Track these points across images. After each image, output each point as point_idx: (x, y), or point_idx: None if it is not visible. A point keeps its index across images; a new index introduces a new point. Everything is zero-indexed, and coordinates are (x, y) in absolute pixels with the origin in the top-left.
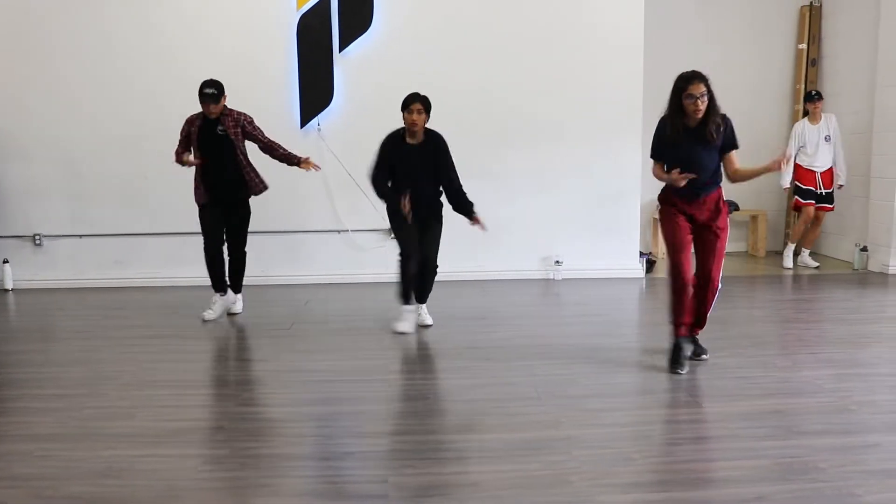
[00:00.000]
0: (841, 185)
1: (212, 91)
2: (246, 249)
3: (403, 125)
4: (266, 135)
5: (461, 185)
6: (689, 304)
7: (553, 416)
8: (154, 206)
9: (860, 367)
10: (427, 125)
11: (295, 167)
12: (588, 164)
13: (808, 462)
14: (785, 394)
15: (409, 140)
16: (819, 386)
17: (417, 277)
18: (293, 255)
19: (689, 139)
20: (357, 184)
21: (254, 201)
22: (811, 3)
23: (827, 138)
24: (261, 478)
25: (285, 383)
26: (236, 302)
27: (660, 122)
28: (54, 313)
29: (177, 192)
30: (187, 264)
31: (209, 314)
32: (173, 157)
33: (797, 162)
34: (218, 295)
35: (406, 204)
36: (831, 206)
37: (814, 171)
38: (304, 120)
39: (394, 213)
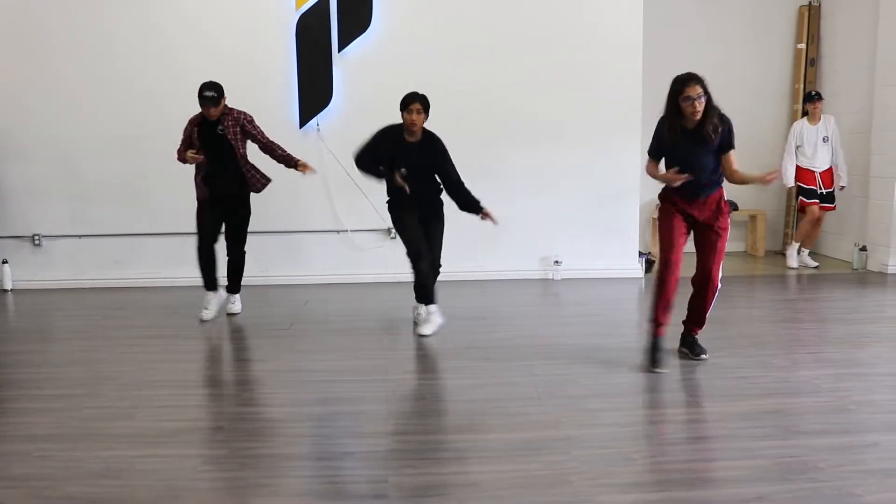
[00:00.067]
0: (843, 187)
1: (211, 94)
2: (245, 249)
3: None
4: (266, 135)
5: (461, 179)
6: (670, 305)
7: (553, 416)
8: (154, 206)
9: (859, 366)
10: (426, 125)
11: (292, 169)
12: (588, 164)
13: (808, 462)
14: (784, 393)
15: (408, 138)
16: (818, 386)
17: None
18: (293, 255)
19: (688, 140)
20: (356, 184)
21: (254, 201)
22: (810, 2)
23: (825, 139)
24: (260, 478)
25: (285, 383)
26: (235, 302)
27: (659, 122)
28: (53, 313)
29: (177, 192)
30: (187, 264)
31: (206, 314)
32: (175, 156)
33: (797, 162)
34: (211, 293)
35: (399, 179)
36: (832, 206)
37: (813, 171)
38: (303, 120)
39: (396, 215)
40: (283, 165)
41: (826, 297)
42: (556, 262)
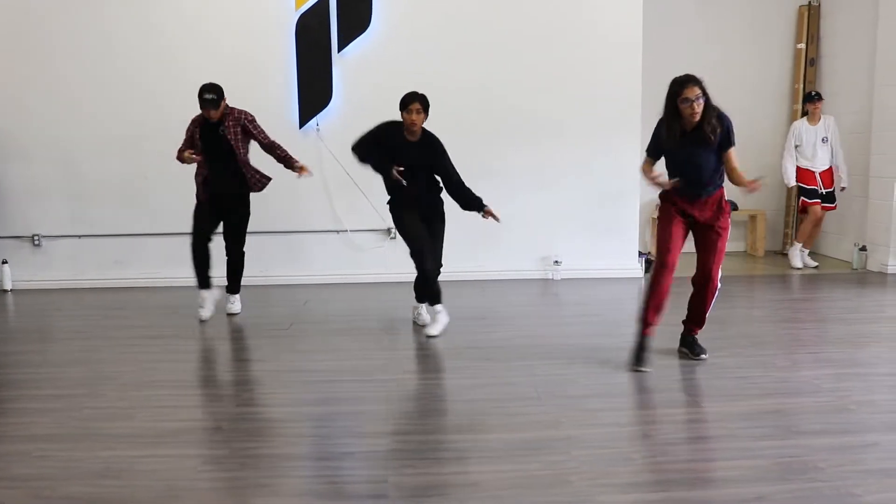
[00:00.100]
0: (843, 188)
1: (211, 97)
2: (244, 249)
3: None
4: (267, 135)
5: (461, 179)
6: (661, 307)
7: (553, 416)
8: (154, 206)
9: (859, 366)
10: (426, 124)
11: (290, 170)
12: (588, 162)
13: (807, 462)
14: (784, 393)
15: (408, 138)
16: (818, 386)
17: (421, 279)
18: (293, 255)
19: (688, 142)
20: (356, 184)
21: (254, 201)
22: (810, 2)
23: (824, 140)
24: (260, 478)
25: (285, 383)
26: (235, 302)
27: (658, 123)
28: (53, 314)
29: (177, 192)
30: (187, 264)
31: (204, 313)
32: (175, 156)
33: (797, 163)
34: (205, 291)
35: (395, 173)
36: (833, 206)
37: (813, 172)
38: (303, 120)
39: (397, 215)
40: (282, 165)
41: (826, 297)
42: (556, 261)
